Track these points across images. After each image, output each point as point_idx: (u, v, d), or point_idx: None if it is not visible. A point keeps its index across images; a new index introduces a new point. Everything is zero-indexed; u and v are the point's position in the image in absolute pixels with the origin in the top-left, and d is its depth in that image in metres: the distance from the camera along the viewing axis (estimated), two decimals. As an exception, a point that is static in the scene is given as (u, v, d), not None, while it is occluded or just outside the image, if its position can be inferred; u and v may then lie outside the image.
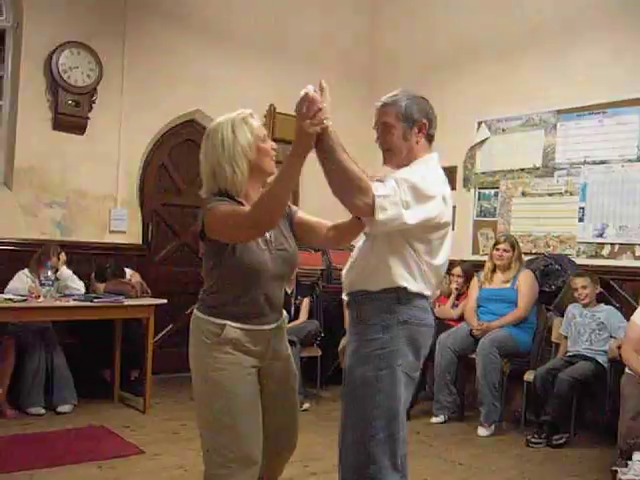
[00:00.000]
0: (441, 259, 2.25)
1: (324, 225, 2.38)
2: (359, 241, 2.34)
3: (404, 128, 2.25)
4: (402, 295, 2.17)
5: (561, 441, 4.45)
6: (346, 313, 2.56)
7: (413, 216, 2.06)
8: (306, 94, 1.91)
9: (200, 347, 2.21)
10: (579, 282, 4.73)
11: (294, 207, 2.43)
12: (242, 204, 2.21)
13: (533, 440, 4.45)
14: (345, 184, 2.03)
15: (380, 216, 2.02)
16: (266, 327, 2.25)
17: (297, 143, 1.94)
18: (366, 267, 2.22)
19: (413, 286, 2.17)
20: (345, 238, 2.40)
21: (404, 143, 2.26)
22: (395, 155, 2.29)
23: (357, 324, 2.25)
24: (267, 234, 2.22)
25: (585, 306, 4.72)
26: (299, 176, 2.01)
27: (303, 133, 1.92)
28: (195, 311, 2.27)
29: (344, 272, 2.36)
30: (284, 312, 2.39)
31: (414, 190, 2.08)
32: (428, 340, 2.30)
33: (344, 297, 2.38)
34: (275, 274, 2.23)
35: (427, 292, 2.24)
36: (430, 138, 2.31)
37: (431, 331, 2.31)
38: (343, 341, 2.54)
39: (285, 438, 2.36)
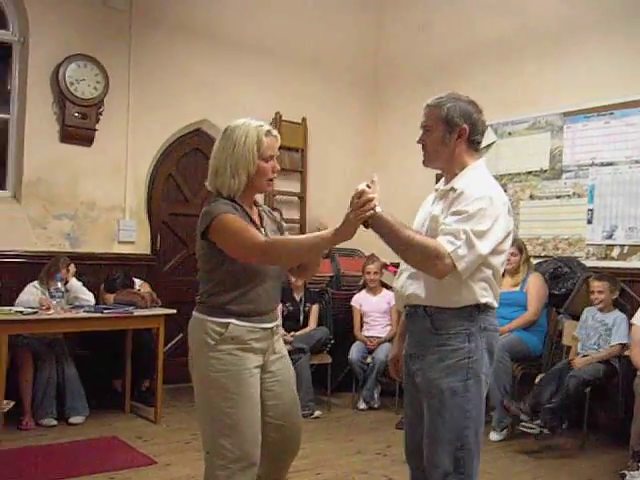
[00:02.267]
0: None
1: None
2: None
3: (443, 132, 2.25)
4: (481, 306, 2.18)
5: (562, 427, 4.40)
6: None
7: (487, 245, 2.10)
8: (357, 188, 2.03)
9: (203, 348, 2.24)
10: (596, 286, 4.67)
11: (285, 224, 2.58)
12: (241, 206, 2.28)
13: (524, 424, 4.35)
14: (419, 258, 2.09)
15: (462, 265, 2.06)
16: (267, 325, 2.32)
17: (341, 227, 2.04)
18: (445, 288, 2.15)
19: (490, 299, 2.20)
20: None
21: (443, 147, 2.26)
22: (433, 159, 2.30)
23: (433, 334, 2.19)
24: (267, 235, 2.32)
25: (600, 310, 4.68)
26: (323, 251, 2.12)
27: (348, 222, 2.02)
28: (195, 314, 2.31)
29: (404, 282, 2.29)
30: (279, 315, 2.50)
31: (485, 215, 2.10)
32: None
33: (403, 308, 2.34)
34: (274, 274, 2.33)
35: (497, 303, 2.25)
36: (474, 144, 2.30)
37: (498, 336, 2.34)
38: (392, 351, 2.53)
39: (288, 441, 2.38)
